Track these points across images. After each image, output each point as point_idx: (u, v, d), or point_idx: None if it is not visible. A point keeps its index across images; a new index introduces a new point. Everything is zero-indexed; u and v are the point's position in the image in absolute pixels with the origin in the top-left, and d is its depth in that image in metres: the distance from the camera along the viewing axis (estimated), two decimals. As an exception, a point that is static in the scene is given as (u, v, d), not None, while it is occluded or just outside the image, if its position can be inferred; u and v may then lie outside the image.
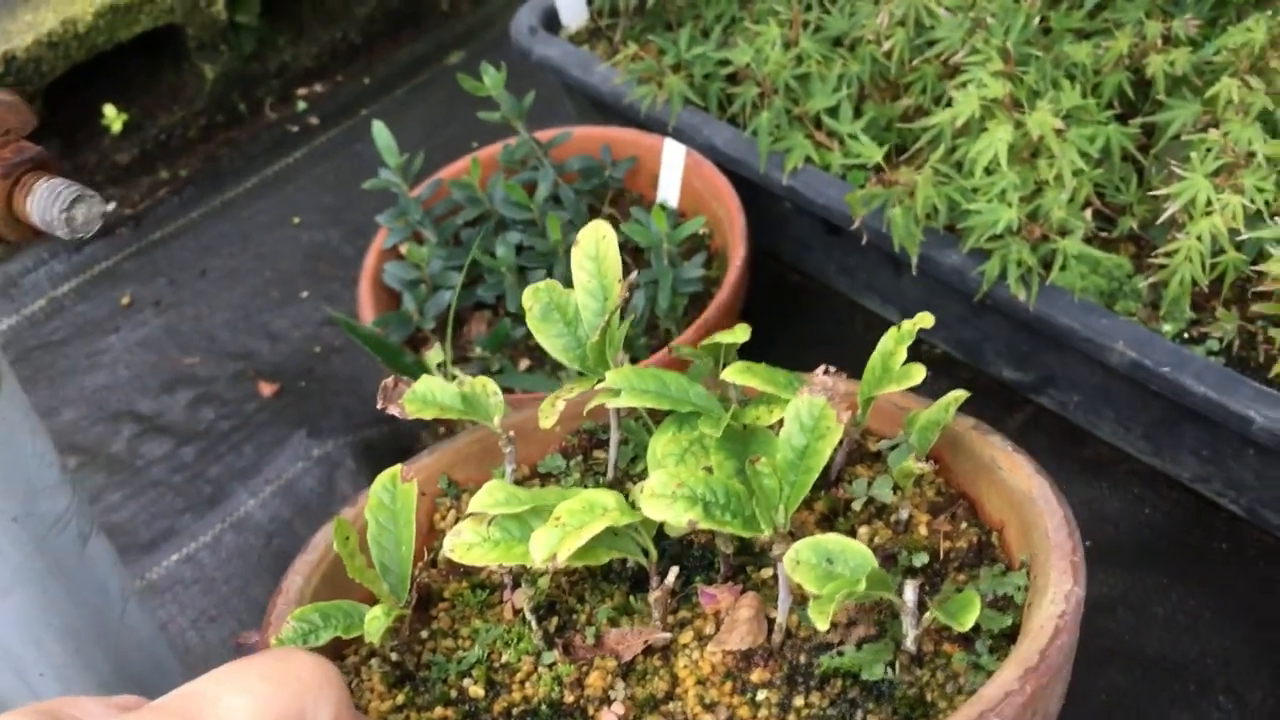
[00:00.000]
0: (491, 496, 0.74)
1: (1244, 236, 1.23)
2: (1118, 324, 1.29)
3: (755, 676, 0.73)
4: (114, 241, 1.99)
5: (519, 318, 1.47)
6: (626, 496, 0.73)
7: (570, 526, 0.69)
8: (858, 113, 1.56)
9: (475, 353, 1.49)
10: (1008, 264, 1.32)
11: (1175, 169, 1.28)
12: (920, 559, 0.80)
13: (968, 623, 0.67)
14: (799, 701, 0.72)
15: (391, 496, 0.78)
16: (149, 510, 1.60)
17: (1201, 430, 1.32)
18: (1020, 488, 0.81)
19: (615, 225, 1.63)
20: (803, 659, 0.74)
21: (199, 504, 1.59)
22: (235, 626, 1.45)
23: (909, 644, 0.73)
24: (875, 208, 1.39)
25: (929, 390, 1.19)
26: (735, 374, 0.80)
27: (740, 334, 0.85)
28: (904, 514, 0.83)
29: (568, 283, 0.83)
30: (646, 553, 0.75)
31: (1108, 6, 1.49)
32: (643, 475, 0.85)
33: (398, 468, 0.79)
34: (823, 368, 0.77)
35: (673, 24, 1.79)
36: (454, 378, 0.81)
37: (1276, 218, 1.23)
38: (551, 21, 1.88)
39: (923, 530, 0.83)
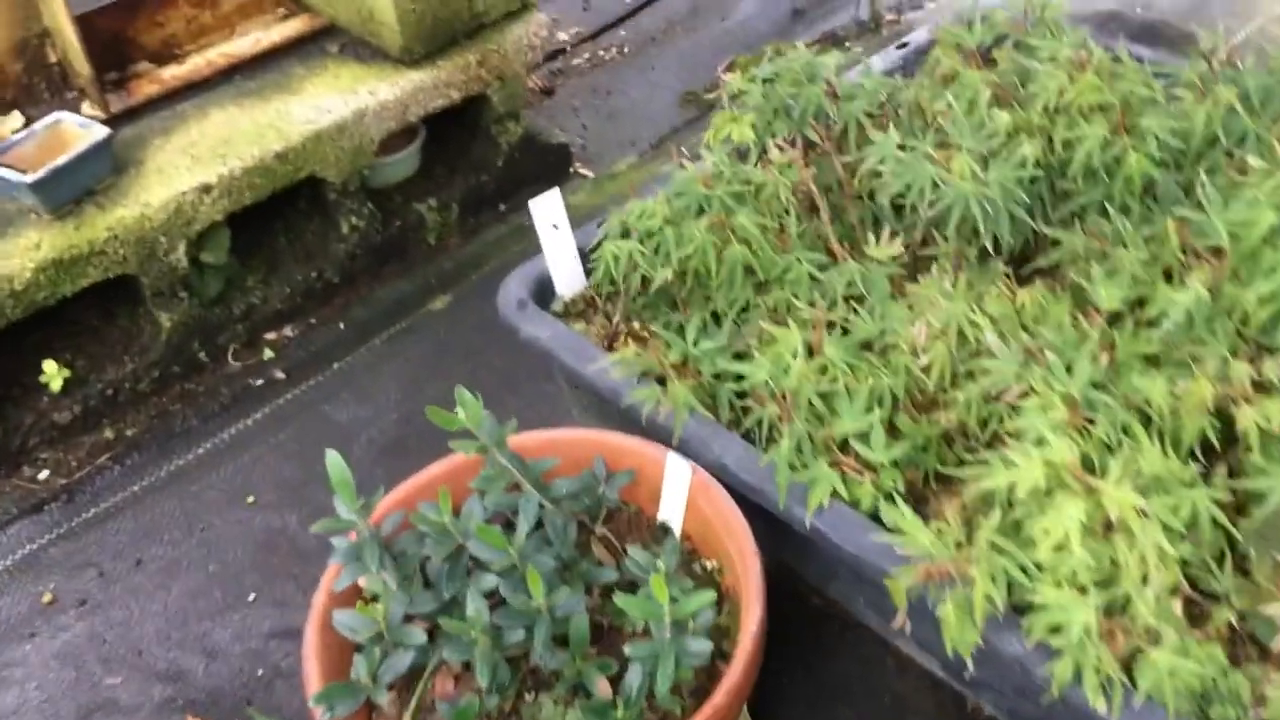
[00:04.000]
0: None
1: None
2: (1220, 755, 1.05)
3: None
4: (42, 520, 1.77)
5: (493, 689, 1.24)
6: None
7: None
8: (891, 430, 1.36)
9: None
10: (1083, 668, 1.09)
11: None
12: None
13: None
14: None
15: None
16: None
17: None
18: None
19: (609, 549, 1.42)
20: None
21: None
22: None
23: None
24: (919, 595, 1.17)
25: None
26: None
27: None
28: None
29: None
30: None
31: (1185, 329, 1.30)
32: None
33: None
34: None
35: (679, 303, 1.59)
36: None
37: None
38: (544, 291, 1.69)
39: None
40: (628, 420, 1.54)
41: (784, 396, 1.36)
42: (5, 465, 1.83)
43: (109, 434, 1.90)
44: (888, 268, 1.49)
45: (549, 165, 2.34)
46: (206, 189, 1.87)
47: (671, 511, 1.44)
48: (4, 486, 1.81)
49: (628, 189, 1.66)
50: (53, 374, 1.84)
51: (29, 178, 1.74)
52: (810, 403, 1.38)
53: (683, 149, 1.67)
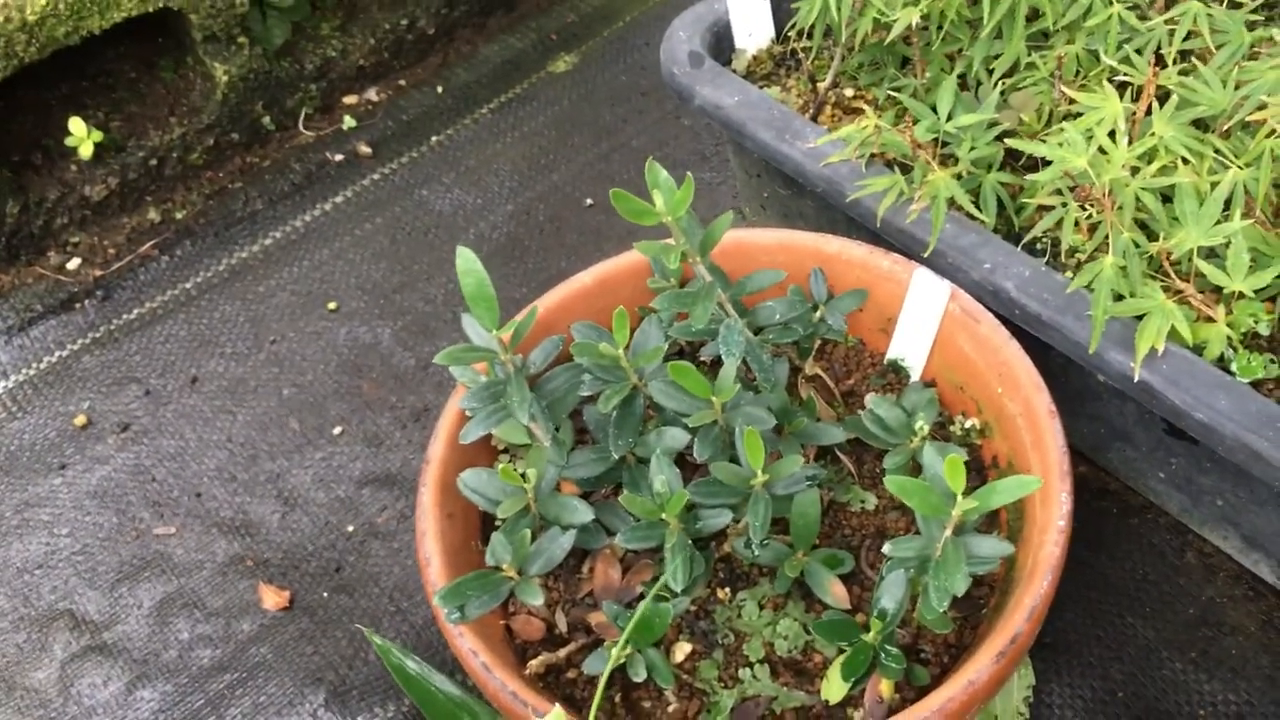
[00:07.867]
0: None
1: None
2: None
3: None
4: (73, 321, 1.43)
5: (685, 589, 0.90)
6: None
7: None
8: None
9: (599, 619, 0.92)
10: None
11: None
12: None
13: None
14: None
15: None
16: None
17: None
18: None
19: (823, 394, 1.05)
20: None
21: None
22: None
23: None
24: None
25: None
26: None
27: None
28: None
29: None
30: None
31: None
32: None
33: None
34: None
35: (912, 63, 1.17)
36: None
37: None
38: (719, 44, 1.28)
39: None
40: (841, 225, 1.15)
41: (1107, 193, 0.95)
42: (27, 250, 1.48)
43: (154, 215, 1.53)
44: (1244, 10, 1.05)
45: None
46: (271, -103, 1.44)
47: (909, 348, 1.07)
48: (26, 276, 1.47)
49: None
50: (81, 136, 1.47)
51: None
52: (1136, 204, 0.97)
53: None
